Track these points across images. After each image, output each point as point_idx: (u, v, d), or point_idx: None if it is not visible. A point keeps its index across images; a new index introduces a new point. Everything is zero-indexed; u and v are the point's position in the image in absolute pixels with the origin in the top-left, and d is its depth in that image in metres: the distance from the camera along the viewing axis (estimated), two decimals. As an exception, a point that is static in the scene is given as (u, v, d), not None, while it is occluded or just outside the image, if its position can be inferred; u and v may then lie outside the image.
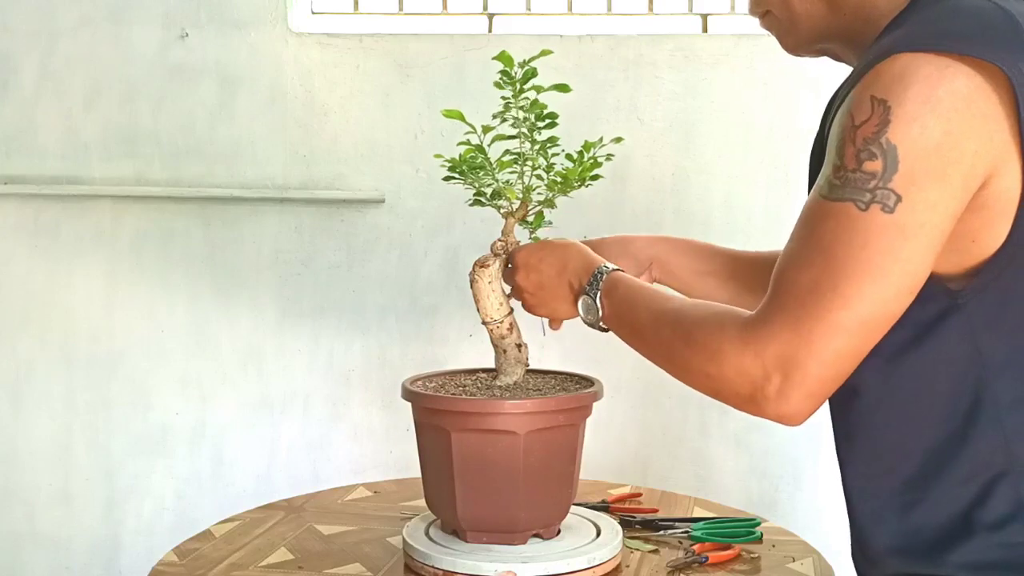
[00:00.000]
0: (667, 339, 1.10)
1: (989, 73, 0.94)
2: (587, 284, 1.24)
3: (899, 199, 0.93)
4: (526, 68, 1.31)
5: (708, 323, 1.04)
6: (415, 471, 1.44)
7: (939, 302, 0.99)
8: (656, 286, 1.29)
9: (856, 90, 0.97)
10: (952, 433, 1.01)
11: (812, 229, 0.97)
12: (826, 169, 0.98)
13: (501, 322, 1.38)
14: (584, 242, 1.39)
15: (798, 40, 1.17)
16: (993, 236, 0.97)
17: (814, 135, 1.10)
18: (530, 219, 1.41)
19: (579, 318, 1.28)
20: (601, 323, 1.23)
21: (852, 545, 1.13)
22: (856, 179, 0.94)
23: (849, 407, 1.08)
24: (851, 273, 0.94)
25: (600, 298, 1.22)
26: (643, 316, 1.16)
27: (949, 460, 1.02)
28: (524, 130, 1.35)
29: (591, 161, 1.37)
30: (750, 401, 0.99)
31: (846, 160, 0.95)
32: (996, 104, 0.94)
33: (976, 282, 0.99)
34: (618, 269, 1.25)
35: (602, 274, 1.23)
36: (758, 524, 1.52)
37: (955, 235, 0.96)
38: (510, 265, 1.37)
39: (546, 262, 1.31)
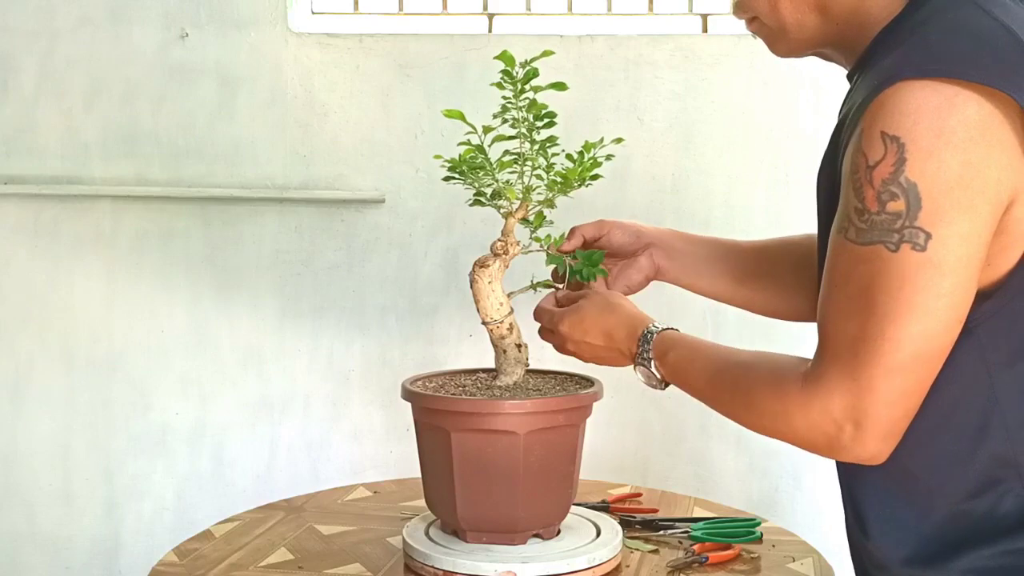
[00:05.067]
0: (728, 403, 1.12)
1: (999, 100, 0.92)
2: (637, 351, 1.23)
3: (929, 236, 0.93)
4: (527, 68, 1.31)
5: (766, 384, 1.05)
6: (415, 471, 1.44)
7: None
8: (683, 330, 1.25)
9: (864, 123, 0.96)
10: (962, 450, 1.02)
11: (847, 275, 0.97)
12: (847, 210, 0.97)
13: (501, 322, 1.38)
14: (601, 223, 1.40)
15: (789, 47, 1.16)
16: (1006, 260, 0.97)
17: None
18: (530, 219, 1.41)
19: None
20: (664, 385, 1.23)
21: (854, 548, 1.13)
22: (881, 221, 0.94)
23: None
24: (894, 315, 0.94)
25: (655, 366, 1.21)
26: (699, 381, 1.16)
27: (959, 476, 1.02)
28: (523, 130, 1.34)
29: (591, 161, 1.37)
30: (828, 450, 1.01)
31: (867, 203, 0.95)
32: (1009, 131, 0.93)
33: (987, 306, 0.99)
34: (667, 328, 1.22)
35: (648, 339, 1.22)
36: (758, 524, 1.52)
37: None
38: (553, 332, 1.34)
39: (591, 334, 1.29)
